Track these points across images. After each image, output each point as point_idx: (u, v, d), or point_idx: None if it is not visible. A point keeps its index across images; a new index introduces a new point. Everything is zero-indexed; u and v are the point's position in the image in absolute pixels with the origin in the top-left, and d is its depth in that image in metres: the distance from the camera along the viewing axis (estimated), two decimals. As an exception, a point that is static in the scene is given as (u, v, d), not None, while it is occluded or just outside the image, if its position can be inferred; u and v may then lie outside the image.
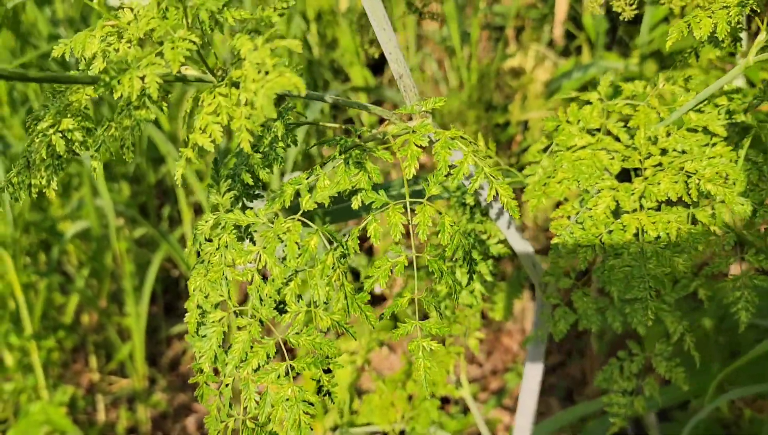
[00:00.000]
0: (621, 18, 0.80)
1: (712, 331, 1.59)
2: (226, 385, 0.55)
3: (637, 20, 1.91)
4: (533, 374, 0.96)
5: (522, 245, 0.81)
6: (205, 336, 0.54)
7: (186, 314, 0.58)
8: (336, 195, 0.60)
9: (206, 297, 0.55)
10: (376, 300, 2.10)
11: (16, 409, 1.81)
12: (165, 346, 2.17)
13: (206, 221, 0.59)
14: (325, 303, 0.53)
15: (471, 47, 2.30)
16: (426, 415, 1.02)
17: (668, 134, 0.70)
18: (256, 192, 0.64)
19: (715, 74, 1.55)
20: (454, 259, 0.74)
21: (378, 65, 2.60)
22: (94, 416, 1.98)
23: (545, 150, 0.81)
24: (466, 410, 1.81)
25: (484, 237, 0.85)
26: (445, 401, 1.88)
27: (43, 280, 1.86)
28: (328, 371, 0.56)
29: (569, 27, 2.45)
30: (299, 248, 0.53)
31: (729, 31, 0.63)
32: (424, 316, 0.57)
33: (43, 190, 0.53)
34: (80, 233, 1.99)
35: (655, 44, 1.89)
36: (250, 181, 0.60)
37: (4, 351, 1.80)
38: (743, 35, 1.13)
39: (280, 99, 0.63)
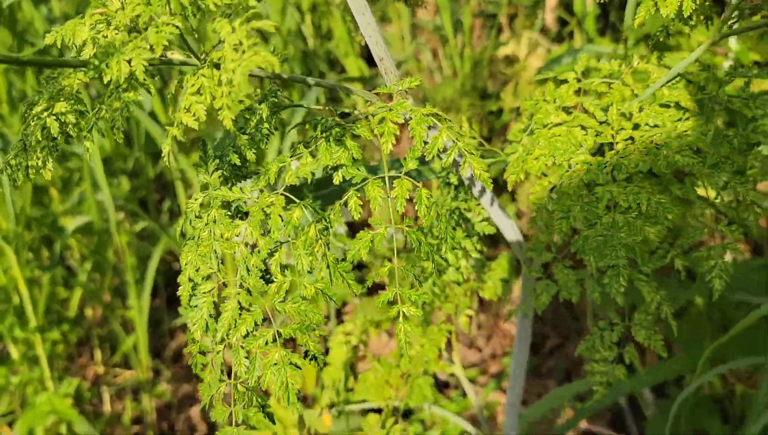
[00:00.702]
0: (600, 1, 0.82)
1: (705, 308, 1.62)
2: (218, 353, 0.58)
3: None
4: (522, 350, 0.99)
5: (505, 223, 0.83)
6: (196, 306, 0.57)
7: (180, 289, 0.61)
8: (324, 176, 0.63)
9: (197, 270, 0.58)
10: (375, 287, 2.13)
11: (23, 400, 1.84)
12: (168, 337, 2.20)
13: (195, 199, 0.62)
14: (309, 272, 0.56)
15: (464, 35, 2.32)
16: (419, 392, 1.05)
17: (641, 110, 0.73)
18: (246, 172, 0.67)
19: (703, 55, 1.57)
20: (438, 237, 0.77)
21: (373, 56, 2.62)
22: (100, 407, 2.01)
23: (526, 129, 0.83)
24: (465, 394, 1.84)
25: (469, 215, 0.88)
26: (445, 386, 1.91)
27: (46, 274, 1.89)
28: (326, 353, 0.59)
29: (561, 13, 2.47)
30: (282, 221, 0.56)
31: (695, 8, 0.66)
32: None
33: (40, 171, 0.56)
34: (82, 228, 2.02)
35: (645, 28, 1.91)
36: (238, 162, 0.62)
37: (9, 344, 1.83)
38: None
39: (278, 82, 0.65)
